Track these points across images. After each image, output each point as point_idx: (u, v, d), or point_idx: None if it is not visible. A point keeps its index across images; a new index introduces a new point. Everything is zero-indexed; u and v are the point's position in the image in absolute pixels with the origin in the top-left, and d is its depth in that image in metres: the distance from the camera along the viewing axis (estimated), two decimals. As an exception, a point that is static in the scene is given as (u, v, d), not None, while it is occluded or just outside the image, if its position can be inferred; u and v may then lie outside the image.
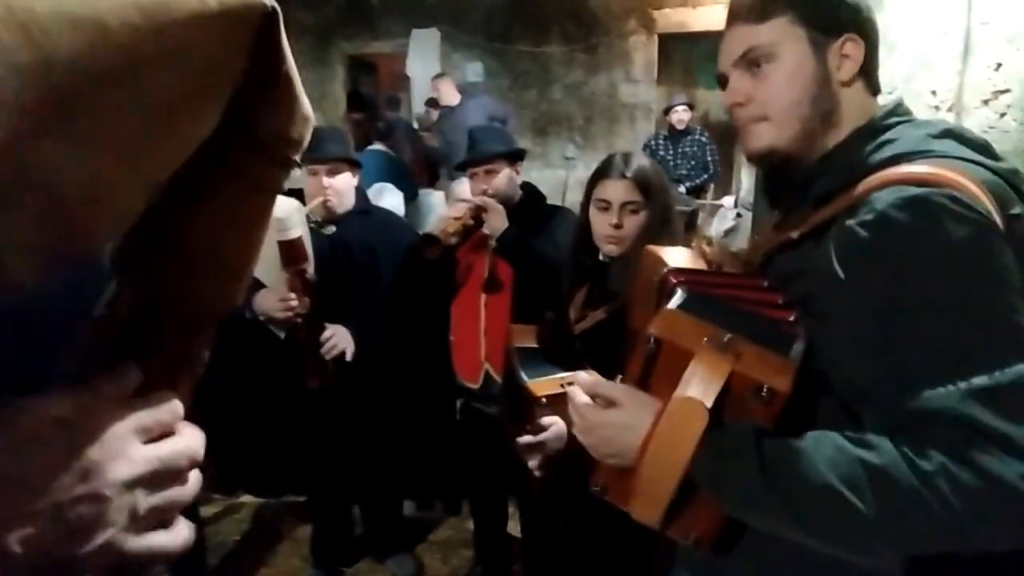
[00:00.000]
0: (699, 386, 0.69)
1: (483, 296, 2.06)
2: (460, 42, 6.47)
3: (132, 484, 0.34)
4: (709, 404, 0.68)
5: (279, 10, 0.38)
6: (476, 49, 6.49)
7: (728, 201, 5.23)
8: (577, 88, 6.48)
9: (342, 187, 2.09)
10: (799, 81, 0.81)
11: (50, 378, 0.36)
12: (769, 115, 0.83)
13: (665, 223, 1.55)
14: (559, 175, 6.15)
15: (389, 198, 3.49)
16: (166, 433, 0.37)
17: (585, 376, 0.85)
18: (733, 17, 0.86)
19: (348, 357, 2.03)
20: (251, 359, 2.10)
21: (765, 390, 0.69)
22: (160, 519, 0.37)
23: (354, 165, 2.18)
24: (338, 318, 2.03)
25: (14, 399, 0.32)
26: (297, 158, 0.45)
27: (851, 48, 0.81)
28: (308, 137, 0.45)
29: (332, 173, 2.07)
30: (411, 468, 2.42)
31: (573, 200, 4.88)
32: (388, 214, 2.52)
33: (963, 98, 2.25)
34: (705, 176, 5.49)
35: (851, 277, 0.72)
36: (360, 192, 2.27)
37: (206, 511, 2.70)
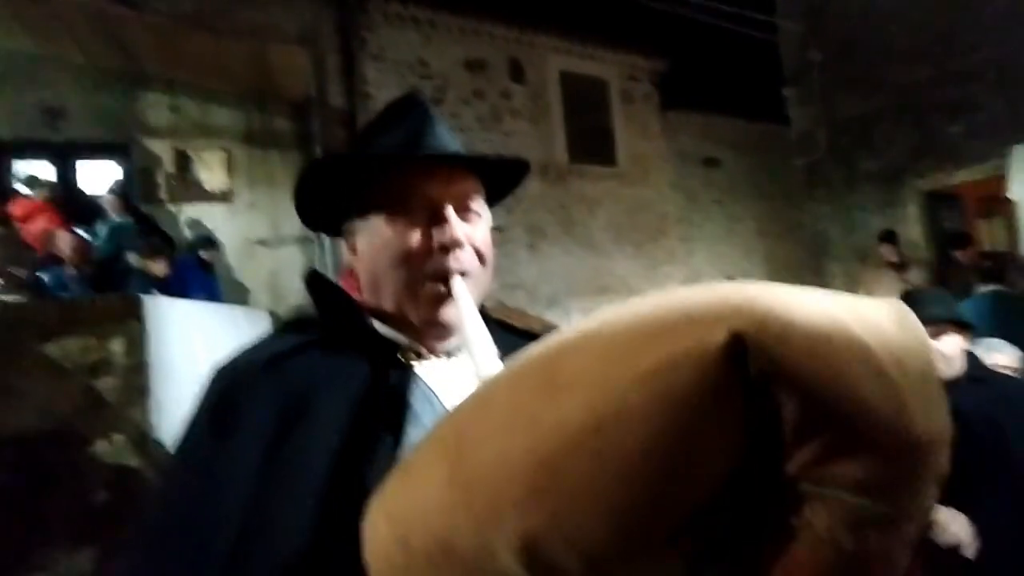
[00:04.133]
0: None
1: None
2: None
3: None
4: None
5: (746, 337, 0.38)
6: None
7: None
8: None
9: (948, 352, 1.91)
10: None
11: None
12: None
13: None
14: None
15: (1002, 354, 2.78)
16: None
17: None
18: None
19: (968, 552, 1.68)
20: None
21: None
22: None
23: (963, 327, 1.97)
24: (956, 503, 1.73)
25: None
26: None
27: None
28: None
29: (936, 336, 1.90)
30: None
31: None
32: (1013, 382, 2.18)
33: None
34: None
35: None
36: (972, 357, 2.00)
37: None
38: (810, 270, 7.25)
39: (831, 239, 7.00)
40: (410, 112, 0.76)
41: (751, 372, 0.38)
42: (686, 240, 7.33)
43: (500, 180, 0.81)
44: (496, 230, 0.79)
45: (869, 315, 0.42)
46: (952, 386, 1.90)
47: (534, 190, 6.21)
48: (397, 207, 0.70)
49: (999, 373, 2.21)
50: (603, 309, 0.47)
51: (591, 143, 6.74)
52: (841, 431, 0.39)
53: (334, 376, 0.67)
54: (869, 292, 5.83)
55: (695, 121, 7.51)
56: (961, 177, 6.00)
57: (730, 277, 6.95)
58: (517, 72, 6.38)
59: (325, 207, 0.77)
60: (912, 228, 6.24)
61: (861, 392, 0.39)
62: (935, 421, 0.42)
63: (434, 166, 0.71)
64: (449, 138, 0.75)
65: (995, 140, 5.53)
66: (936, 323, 1.91)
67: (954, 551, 1.69)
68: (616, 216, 6.79)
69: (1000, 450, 1.80)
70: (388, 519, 0.47)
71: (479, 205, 0.74)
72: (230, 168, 4.96)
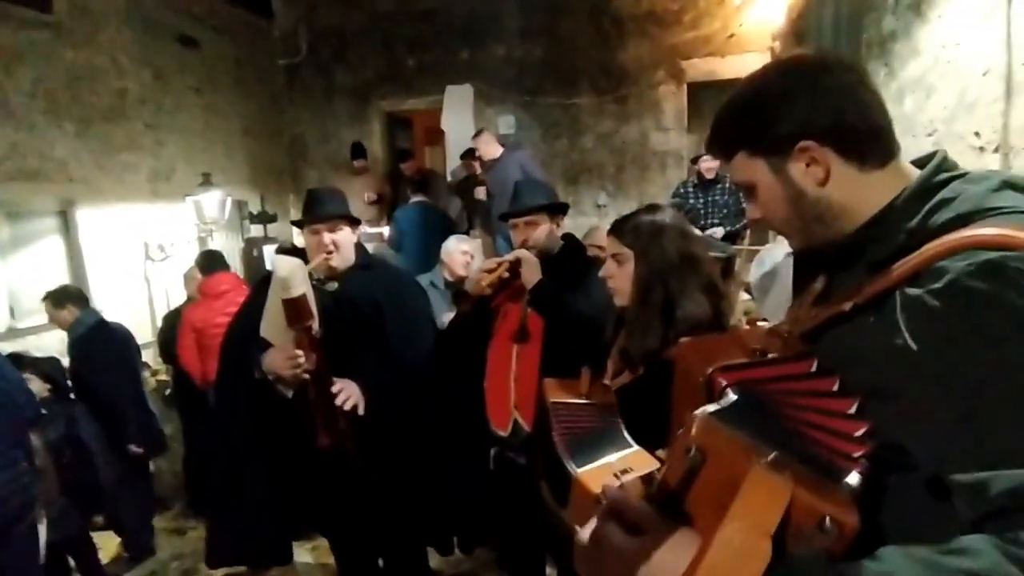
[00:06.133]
0: (756, 514, 0.59)
1: (515, 345, 2.06)
2: (493, 97, 6.66)
3: None
4: (770, 536, 0.58)
5: None
6: (508, 103, 6.67)
7: (771, 248, 5.16)
8: (608, 137, 6.58)
9: (343, 243, 2.13)
10: (778, 205, 0.84)
11: None
12: (776, 230, 0.90)
13: (668, 275, 1.51)
14: (592, 222, 6.18)
15: (468, 244, 3.53)
16: None
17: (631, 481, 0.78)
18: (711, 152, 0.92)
19: (360, 411, 2.00)
20: (261, 421, 2.09)
21: (829, 522, 0.60)
22: None
23: (353, 222, 2.22)
24: (347, 373, 2.01)
25: None
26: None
27: (809, 154, 0.80)
28: None
29: (332, 230, 2.11)
30: (442, 516, 2.35)
31: (607, 247, 4.86)
32: (390, 267, 2.53)
33: (1009, 139, 2.19)
34: (744, 221, 5.42)
35: (927, 352, 0.67)
36: (361, 248, 2.28)
37: None
38: (289, 174, 7.38)
39: (308, 145, 7.26)
40: None
41: None
42: (154, 127, 6.34)
43: None
44: None
45: None
46: (346, 273, 2.17)
47: None
48: None
49: (382, 260, 2.57)
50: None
51: (6, -29, 4.93)
52: None
53: None
54: (340, 192, 6.35)
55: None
56: (412, 104, 7.06)
57: (206, 175, 6.42)
58: None
59: None
60: (376, 143, 7.06)
61: None
62: None
63: None
64: None
65: (437, 78, 6.67)
66: (332, 219, 2.12)
67: (352, 412, 1.98)
68: (51, 82, 5.27)
69: (379, 323, 2.15)
70: None
71: None
72: None
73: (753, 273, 4.89)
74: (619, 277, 1.58)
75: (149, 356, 5.10)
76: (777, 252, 4.10)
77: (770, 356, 0.84)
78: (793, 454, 0.66)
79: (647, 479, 0.95)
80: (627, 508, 0.69)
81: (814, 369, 0.77)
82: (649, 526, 0.67)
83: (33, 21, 5.12)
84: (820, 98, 0.79)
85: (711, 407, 0.71)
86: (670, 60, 6.31)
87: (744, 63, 5.84)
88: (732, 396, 0.73)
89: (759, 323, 1.04)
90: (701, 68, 6.23)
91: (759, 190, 0.85)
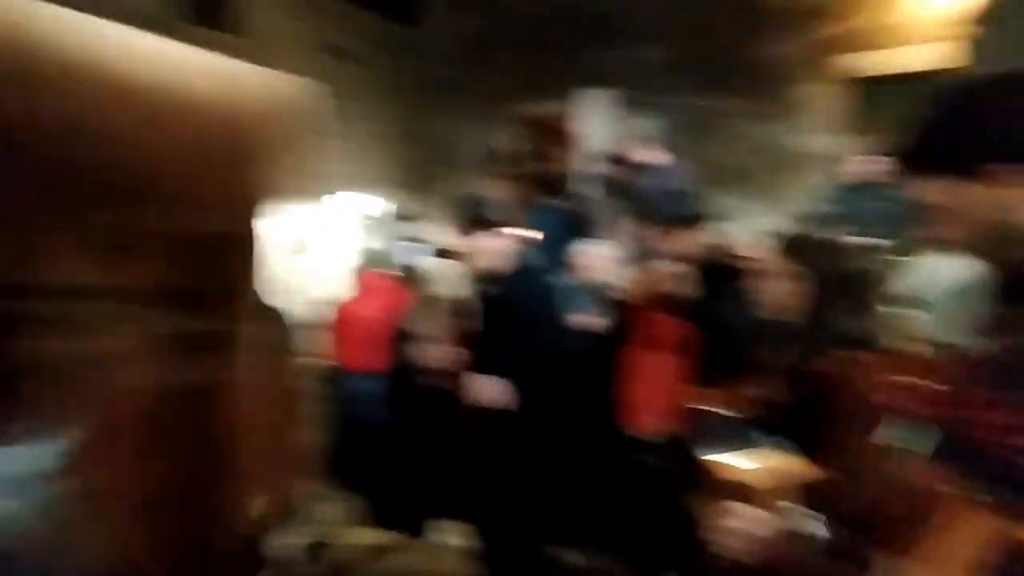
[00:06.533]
0: (974, 553, 0.60)
1: (661, 353, 2.08)
2: (629, 99, 6.61)
3: None
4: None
5: None
6: (646, 106, 6.58)
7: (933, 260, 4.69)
8: (751, 139, 6.28)
9: (492, 246, 2.26)
10: (965, 227, 0.83)
11: None
12: (962, 253, 0.88)
13: (836, 289, 1.47)
14: (735, 229, 5.92)
15: (606, 249, 3.58)
16: None
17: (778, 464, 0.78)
18: None
19: (493, 406, 2.11)
20: (416, 410, 2.30)
21: None
22: None
23: (499, 226, 2.33)
24: (493, 369, 2.14)
25: None
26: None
27: (1000, 177, 0.78)
28: None
29: (481, 234, 2.24)
30: (570, 512, 2.41)
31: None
32: (533, 270, 2.60)
33: None
34: (899, 231, 4.96)
35: None
36: (506, 250, 2.39)
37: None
38: (434, 177, 7.82)
39: (451, 149, 7.65)
40: None
41: None
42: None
43: None
44: None
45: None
46: (491, 274, 2.30)
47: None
48: None
49: (525, 263, 2.64)
50: None
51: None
52: None
53: None
54: (490, 197, 6.61)
55: (327, 7, 7.06)
56: (548, 108, 7.16)
57: (358, 178, 6.99)
58: None
59: None
60: (512, 146, 7.26)
61: None
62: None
63: None
64: None
65: (573, 81, 6.73)
66: (489, 223, 2.26)
67: (494, 408, 2.11)
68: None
69: (521, 323, 2.26)
70: None
71: None
72: None
73: (913, 285, 4.47)
74: (773, 290, 1.56)
75: (303, 342, 5.66)
76: (946, 266, 3.73)
77: (957, 383, 0.81)
78: (1002, 489, 0.64)
79: (811, 489, 0.94)
80: (829, 535, 0.70)
81: (1012, 400, 0.74)
82: (861, 557, 0.68)
83: (221, 42, 5.87)
84: (1012, 120, 0.78)
85: (906, 437, 0.70)
86: (819, 56, 5.91)
87: (899, 57, 5.33)
88: (931, 426, 0.71)
89: (935, 346, 1.00)
90: (853, 64, 5.77)
91: (946, 211, 0.84)
